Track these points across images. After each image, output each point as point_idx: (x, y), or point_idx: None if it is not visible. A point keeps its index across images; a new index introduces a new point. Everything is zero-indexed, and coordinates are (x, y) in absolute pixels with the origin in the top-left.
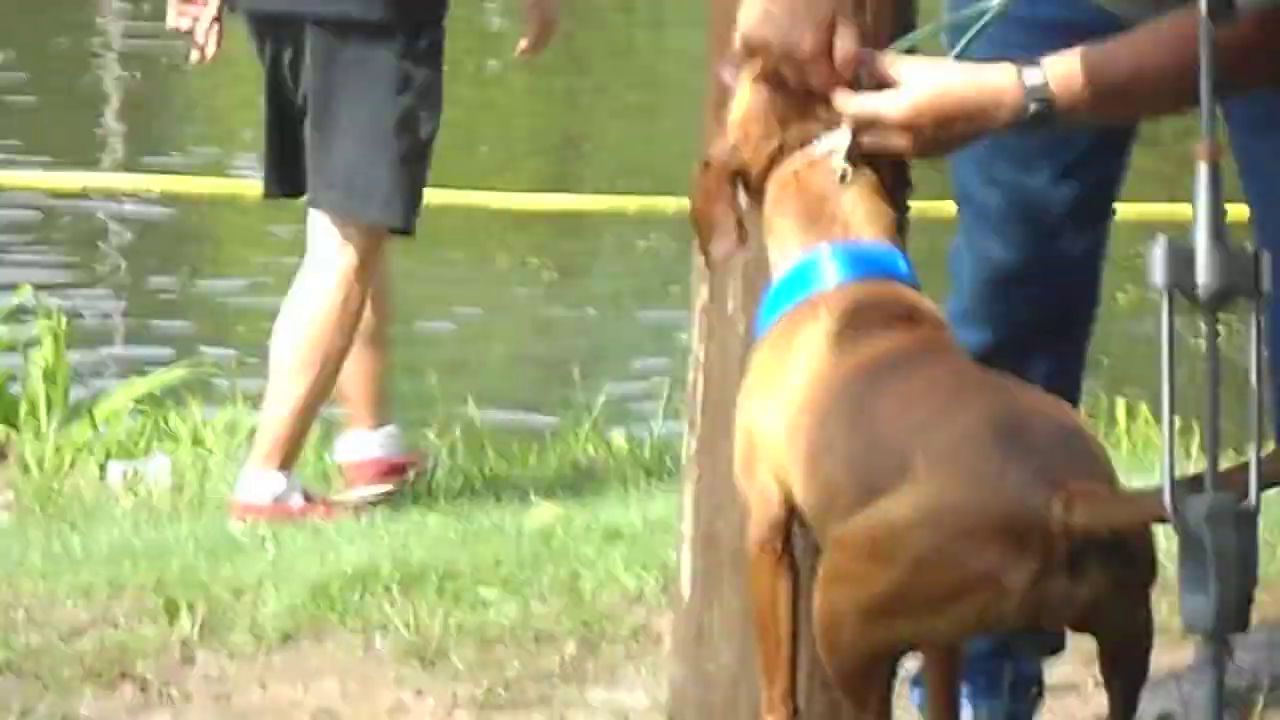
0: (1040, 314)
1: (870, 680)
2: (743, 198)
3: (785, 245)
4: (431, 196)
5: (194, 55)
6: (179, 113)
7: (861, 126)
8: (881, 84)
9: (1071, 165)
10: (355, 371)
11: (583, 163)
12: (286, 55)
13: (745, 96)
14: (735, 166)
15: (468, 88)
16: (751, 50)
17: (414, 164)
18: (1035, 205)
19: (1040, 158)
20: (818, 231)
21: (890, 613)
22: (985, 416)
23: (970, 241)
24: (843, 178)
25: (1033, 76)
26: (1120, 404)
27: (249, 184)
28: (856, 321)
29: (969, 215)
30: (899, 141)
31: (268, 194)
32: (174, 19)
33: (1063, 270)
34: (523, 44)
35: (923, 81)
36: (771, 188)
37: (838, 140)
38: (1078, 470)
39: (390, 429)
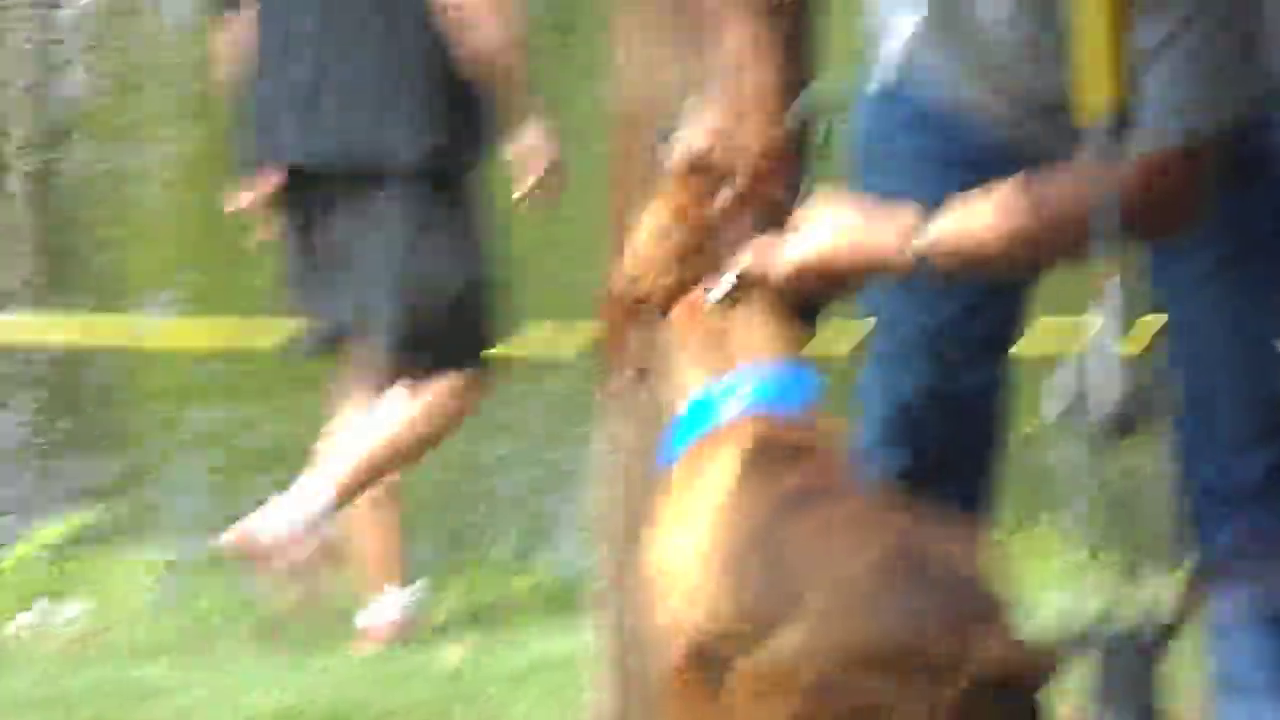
0: (949, 445)
1: None
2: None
3: (687, 378)
4: None
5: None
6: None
7: (751, 278)
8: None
9: (976, 301)
10: (376, 526)
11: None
12: (321, 205)
13: (648, 224)
14: (636, 297)
15: None
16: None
17: (470, 303)
18: (943, 337)
19: (946, 295)
20: (718, 362)
21: None
22: (883, 551)
23: (880, 373)
24: (732, 304)
25: (920, 239)
26: (1032, 531)
27: (158, 322)
28: (763, 455)
29: (878, 347)
30: (787, 290)
31: (308, 354)
32: (232, 205)
33: (971, 402)
34: (525, 189)
35: (812, 239)
36: (671, 321)
37: (725, 283)
38: (974, 609)
39: (421, 583)
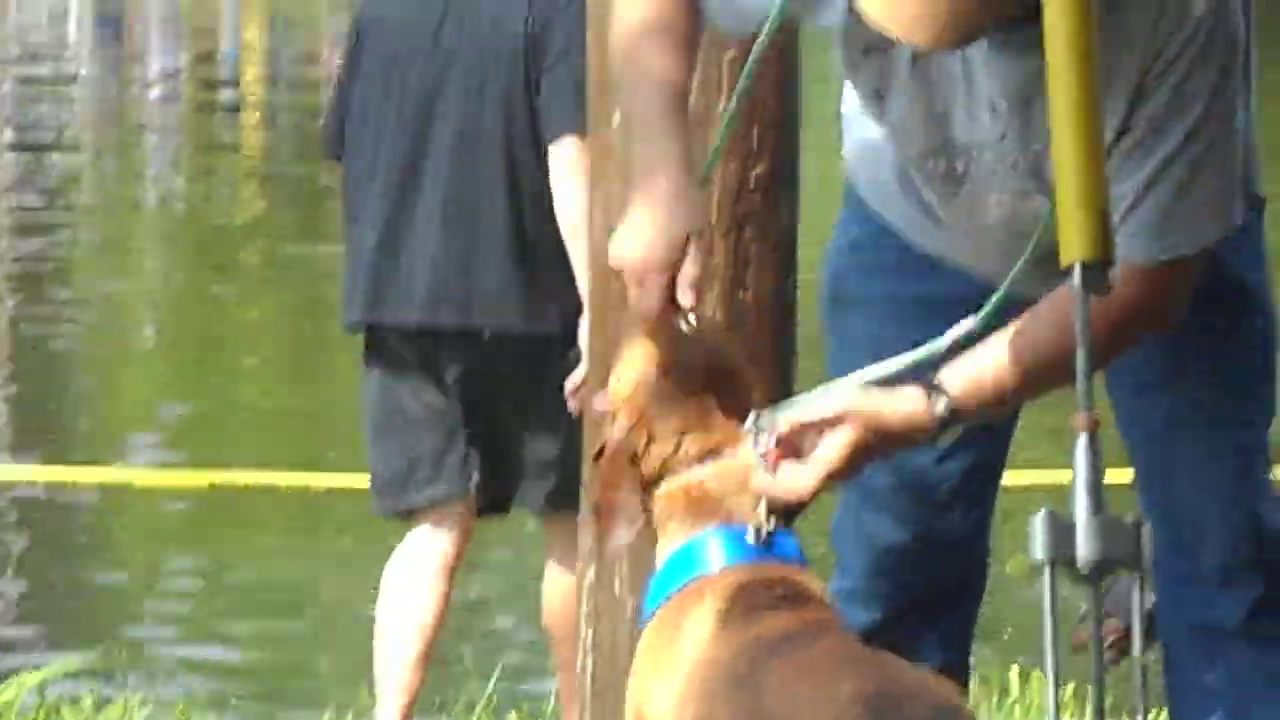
0: (928, 589)
1: None
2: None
3: (670, 529)
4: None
5: None
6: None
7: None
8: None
9: (957, 441)
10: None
11: None
12: (455, 369)
13: (634, 364)
14: (631, 449)
15: None
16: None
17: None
18: (922, 482)
19: None
20: (703, 517)
21: None
22: (860, 693)
23: (856, 519)
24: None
25: (940, 405)
26: (1014, 671)
27: (138, 472)
28: (742, 604)
29: (855, 493)
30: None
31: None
32: None
33: (951, 545)
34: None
35: (836, 443)
36: (663, 491)
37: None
38: None
39: None
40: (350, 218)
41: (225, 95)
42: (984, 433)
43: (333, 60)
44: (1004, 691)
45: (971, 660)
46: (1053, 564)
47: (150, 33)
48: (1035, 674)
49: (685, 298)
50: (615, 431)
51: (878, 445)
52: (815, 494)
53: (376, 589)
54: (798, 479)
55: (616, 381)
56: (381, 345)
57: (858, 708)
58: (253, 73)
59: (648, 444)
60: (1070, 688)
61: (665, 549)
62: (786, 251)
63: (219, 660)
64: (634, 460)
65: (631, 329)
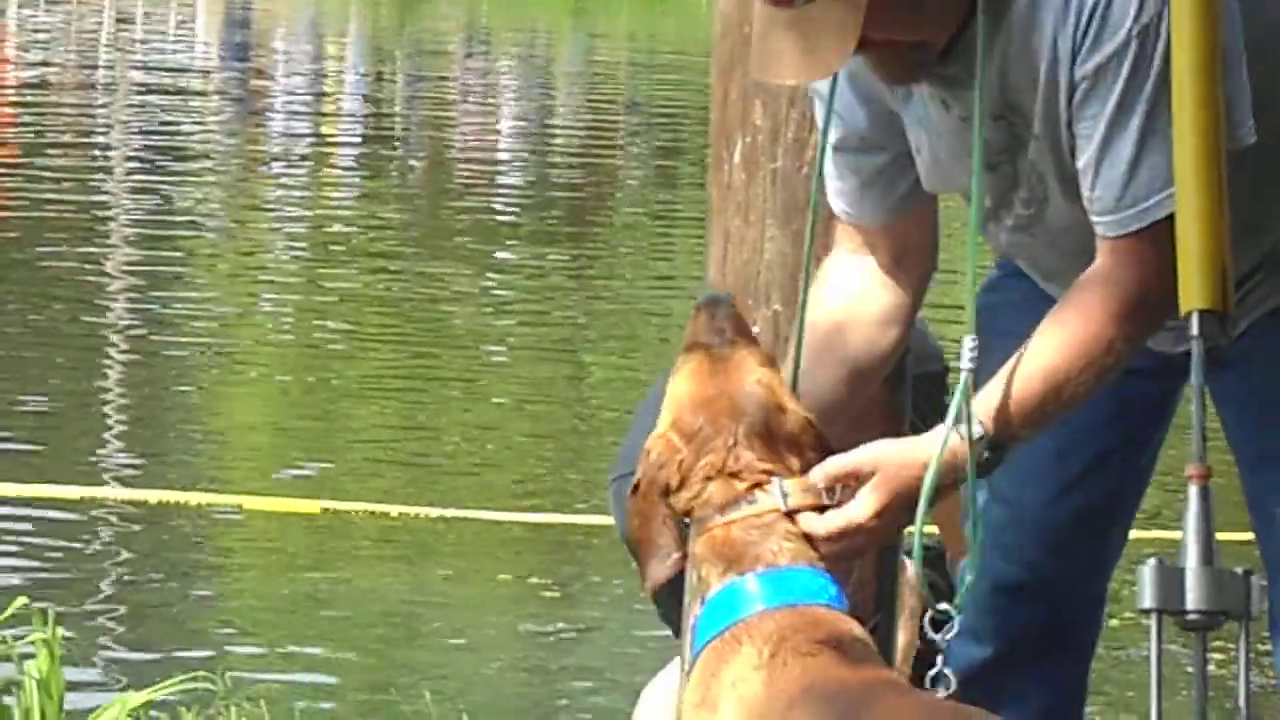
0: (1042, 630)
1: None
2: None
3: (705, 572)
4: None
5: None
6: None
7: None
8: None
9: (1076, 478)
10: None
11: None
12: None
13: (681, 390)
14: (664, 485)
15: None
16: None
17: None
18: (1034, 522)
19: (1042, 472)
20: (740, 561)
21: None
22: None
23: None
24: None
25: (976, 436)
26: None
27: (245, 497)
28: (784, 647)
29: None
30: (868, 542)
31: None
32: None
33: (1066, 585)
34: None
35: (885, 483)
36: (694, 534)
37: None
38: None
39: None
40: None
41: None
42: (1107, 469)
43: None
44: None
45: (1087, 711)
46: (1160, 614)
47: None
48: None
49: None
50: (646, 468)
51: (909, 492)
52: (851, 547)
53: (471, 616)
54: (817, 528)
55: (662, 414)
56: None
57: None
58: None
59: (679, 485)
60: None
61: (700, 595)
62: None
63: (320, 684)
64: (667, 494)
65: (679, 358)
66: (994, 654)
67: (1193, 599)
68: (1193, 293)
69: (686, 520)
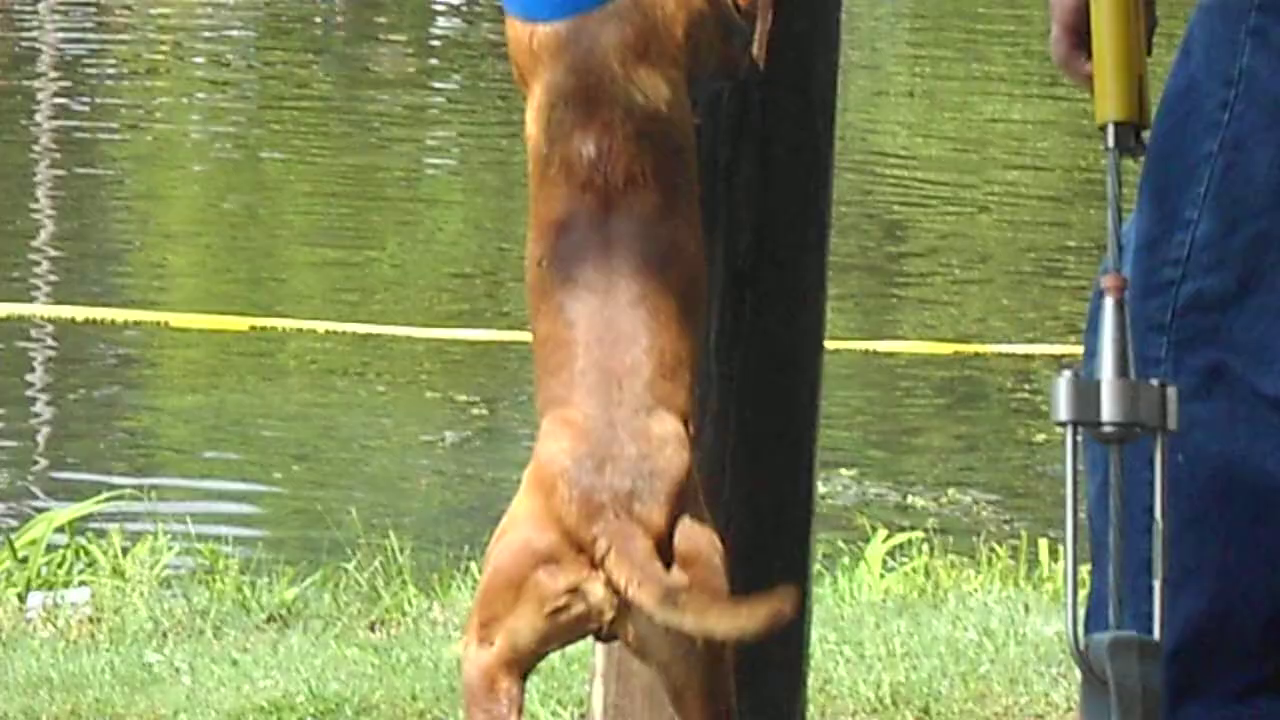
0: None
1: None
2: None
3: None
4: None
5: None
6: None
7: None
8: None
9: None
10: None
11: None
12: None
13: None
14: None
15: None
16: None
17: None
18: None
19: None
20: None
21: None
22: None
23: (1229, 533)
24: None
25: None
26: (1043, 545)
27: (173, 315)
28: None
29: (1239, 498)
30: None
31: None
32: None
33: None
34: None
35: None
36: None
37: None
38: None
39: None
40: None
41: None
42: None
43: None
44: (1035, 563)
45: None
46: (1075, 426)
47: None
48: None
49: None
50: None
51: None
52: None
53: (400, 433)
54: None
55: None
56: None
57: None
58: None
59: None
60: None
61: None
62: None
63: (246, 497)
64: None
65: None
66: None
67: (1108, 411)
68: (1106, 104)
69: None
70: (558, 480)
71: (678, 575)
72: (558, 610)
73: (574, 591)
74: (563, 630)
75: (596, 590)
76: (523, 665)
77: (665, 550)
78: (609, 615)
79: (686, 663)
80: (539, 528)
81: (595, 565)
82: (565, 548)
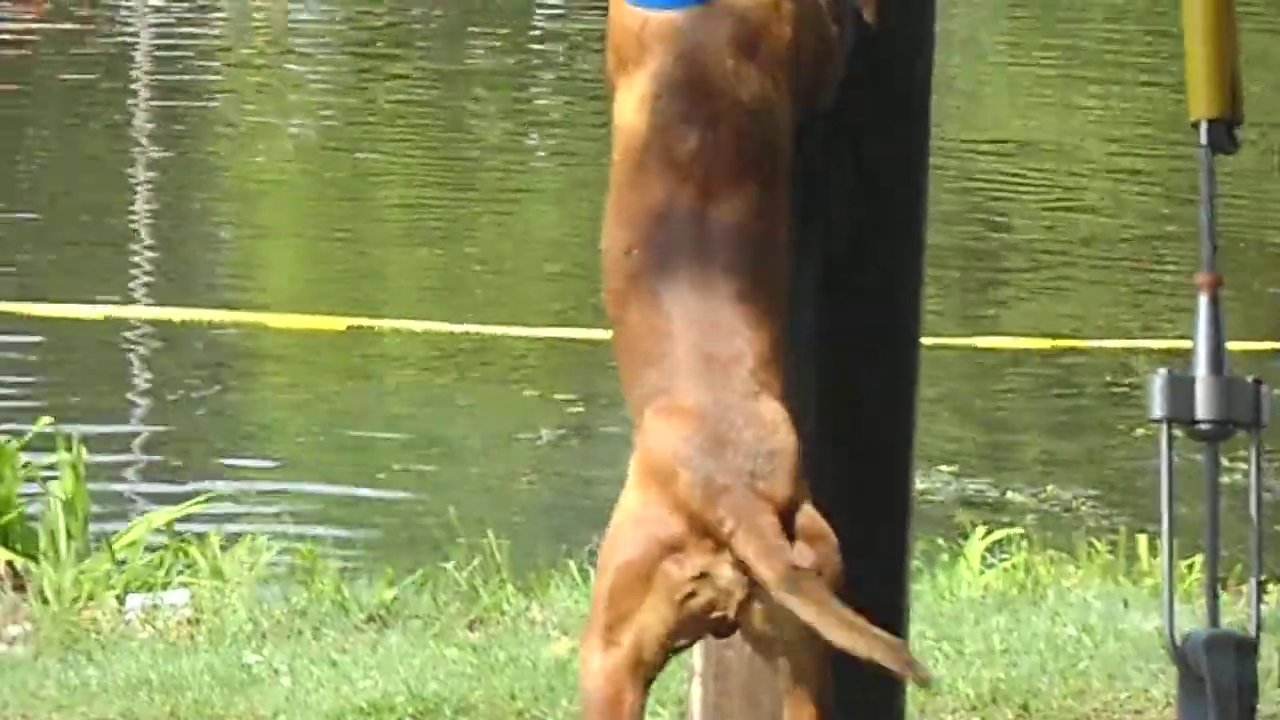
0: None
1: None
2: None
3: None
4: None
5: None
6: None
7: None
8: None
9: None
10: None
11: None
12: None
13: None
14: None
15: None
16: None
17: None
18: None
19: None
20: None
21: None
22: None
23: None
24: None
25: None
26: (1142, 541)
27: (271, 316)
28: None
29: None
30: None
31: None
32: None
33: None
34: None
35: None
36: None
37: None
38: None
39: None
40: None
41: None
42: None
43: None
44: (1134, 558)
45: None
46: (1169, 423)
47: None
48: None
49: None
50: None
51: None
52: None
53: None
54: None
55: None
56: None
57: None
58: None
59: None
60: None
61: None
62: None
63: (345, 497)
64: None
65: None
66: None
67: (1202, 408)
68: (1201, 101)
69: None
70: (677, 466)
71: (803, 550)
72: (687, 598)
73: (702, 577)
74: (692, 621)
75: (725, 573)
76: (648, 670)
77: (788, 528)
78: (738, 597)
79: (806, 653)
80: (661, 517)
81: (721, 547)
82: (690, 534)
